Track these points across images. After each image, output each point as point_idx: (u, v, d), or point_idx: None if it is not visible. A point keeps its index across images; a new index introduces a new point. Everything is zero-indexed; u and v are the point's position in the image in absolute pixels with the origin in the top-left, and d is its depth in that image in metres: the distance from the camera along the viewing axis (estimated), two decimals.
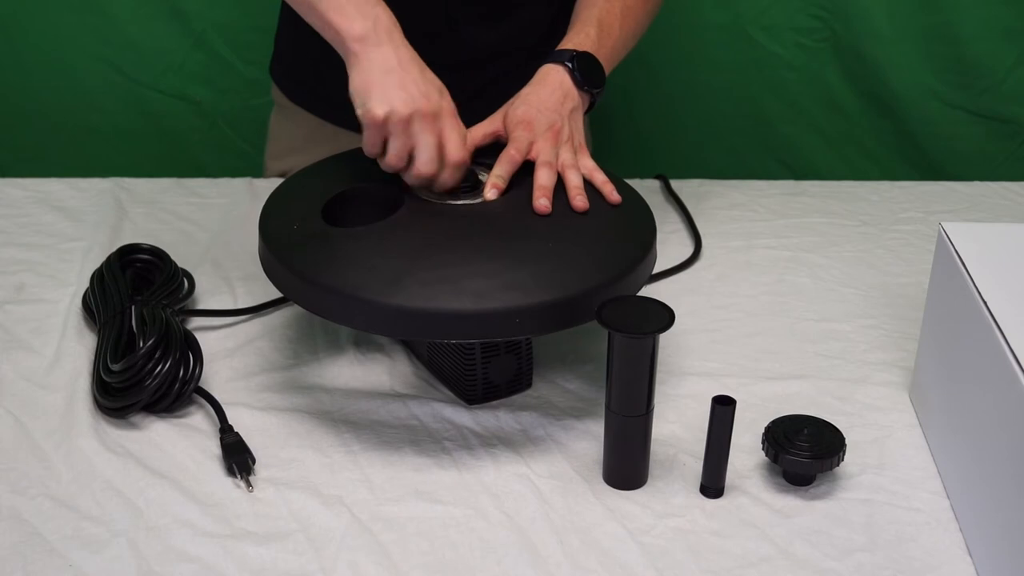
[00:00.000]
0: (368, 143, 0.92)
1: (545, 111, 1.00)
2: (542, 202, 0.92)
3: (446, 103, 0.93)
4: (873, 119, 1.73)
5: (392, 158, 0.92)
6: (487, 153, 1.00)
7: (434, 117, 0.91)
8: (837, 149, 1.76)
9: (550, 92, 1.02)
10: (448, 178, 0.93)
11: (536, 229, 0.90)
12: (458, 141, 0.93)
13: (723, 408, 0.80)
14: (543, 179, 0.94)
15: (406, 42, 0.93)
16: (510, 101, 1.03)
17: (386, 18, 0.92)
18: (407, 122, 0.90)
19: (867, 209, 1.29)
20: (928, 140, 1.73)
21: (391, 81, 0.90)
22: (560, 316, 0.84)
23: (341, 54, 0.93)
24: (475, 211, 0.92)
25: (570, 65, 1.03)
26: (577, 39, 1.06)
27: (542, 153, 0.97)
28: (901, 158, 1.76)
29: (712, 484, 0.83)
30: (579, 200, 0.93)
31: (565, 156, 0.97)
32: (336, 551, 0.78)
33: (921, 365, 0.93)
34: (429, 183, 0.94)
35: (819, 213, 1.28)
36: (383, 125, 0.90)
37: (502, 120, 1.01)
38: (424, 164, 0.92)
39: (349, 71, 0.92)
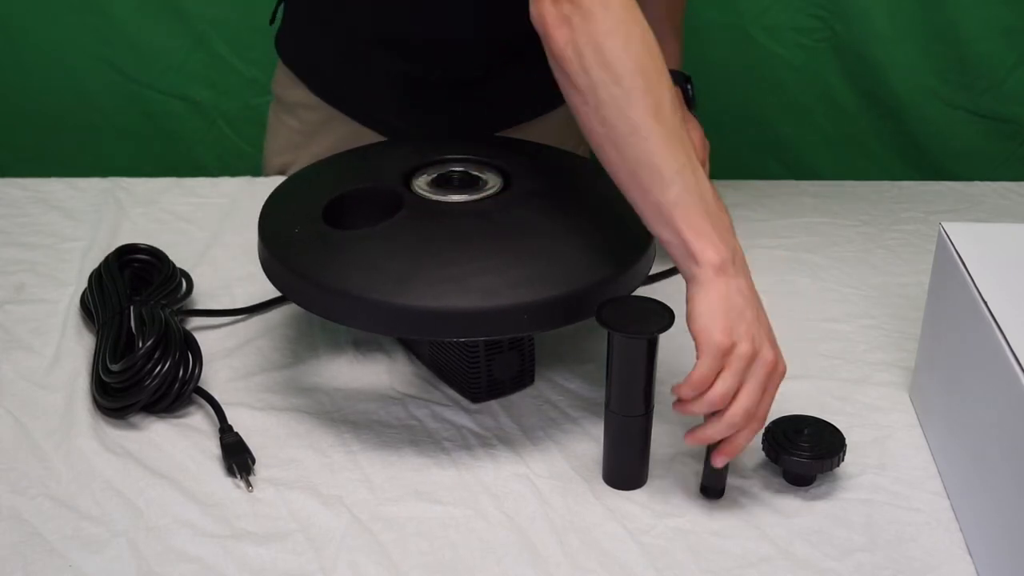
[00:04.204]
0: (704, 371, 0.78)
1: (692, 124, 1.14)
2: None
3: (781, 363, 0.82)
4: (873, 119, 1.73)
5: (720, 395, 0.78)
6: (485, 152, 1.00)
7: (771, 368, 0.80)
8: (837, 149, 1.76)
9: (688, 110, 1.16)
10: (745, 439, 0.79)
11: (538, 226, 0.90)
12: (769, 402, 0.80)
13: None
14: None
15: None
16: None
17: (741, 251, 0.82)
18: (749, 360, 0.78)
19: (867, 209, 1.29)
20: (928, 140, 1.73)
21: (745, 316, 0.79)
22: (568, 311, 0.84)
23: (684, 273, 0.81)
24: (476, 210, 0.92)
25: (687, 92, 1.19)
26: (672, 60, 1.17)
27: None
28: (901, 158, 1.76)
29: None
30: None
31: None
32: (336, 551, 0.78)
33: (921, 365, 0.93)
34: (722, 436, 0.79)
35: (819, 213, 1.28)
36: (726, 355, 0.78)
37: None
38: (744, 408, 0.78)
39: (694, 293, 0.80)
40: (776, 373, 0.80)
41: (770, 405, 0.80)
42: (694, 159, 0.81)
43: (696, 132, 1.15)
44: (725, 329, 0.78)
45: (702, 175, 0.81)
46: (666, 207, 0.80)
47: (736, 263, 0.80)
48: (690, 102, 1.21)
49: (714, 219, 0.80)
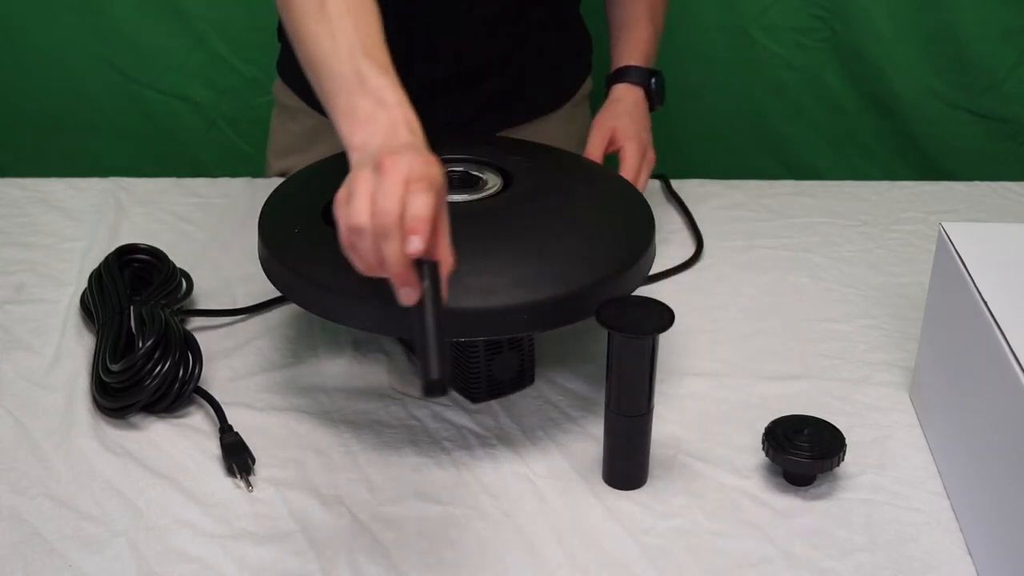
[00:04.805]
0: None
1: (645, 132, 1.17)
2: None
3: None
4: (873, 119, 1.73)
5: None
6: (481, 151, 1.00)
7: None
8: (837, 149, 1.76)
9: (645, 116, 1.19)
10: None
11: (537, 226, 0.90)
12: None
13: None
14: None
15: None
16: (610, 112, 1.17)
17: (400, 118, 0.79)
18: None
19: (867, 209, 1.29)
20: (928, 140, 1.73)
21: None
22: (568, 311, 0.84)
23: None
24: (475, 209, 0.92)
25: (651, 90, 1.20)
26: (639, 48, 1.21)
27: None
28: (901, 158, 1.76)
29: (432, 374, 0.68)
30: None
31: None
32: (336, 551, 0.78)
33: (921, 365, 0.93)
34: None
35: (819, 213, 1.28)
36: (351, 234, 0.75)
37: (611, 131, 1.15)
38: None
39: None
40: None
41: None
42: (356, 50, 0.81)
43: (635, 139, 1.15)
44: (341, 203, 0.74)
45: (358, 53, 0.80)
46: (324, 96, 0.82)
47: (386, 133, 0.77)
48: (652, 99, 1.21)
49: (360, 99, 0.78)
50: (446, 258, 0.72)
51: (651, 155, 1.17)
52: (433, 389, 0.67)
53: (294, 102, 1.29)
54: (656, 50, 1.24)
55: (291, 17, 0.86)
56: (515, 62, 1.23)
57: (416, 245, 0.67)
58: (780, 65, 1.70)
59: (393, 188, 0.69)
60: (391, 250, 0.68)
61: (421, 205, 0.68)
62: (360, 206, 0.69)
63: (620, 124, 1.16)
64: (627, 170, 1.13)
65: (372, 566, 0.77)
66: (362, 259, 0.71)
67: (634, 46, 1.22)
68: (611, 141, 1.15)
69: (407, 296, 0.69)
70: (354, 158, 0.76)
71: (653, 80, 1.20)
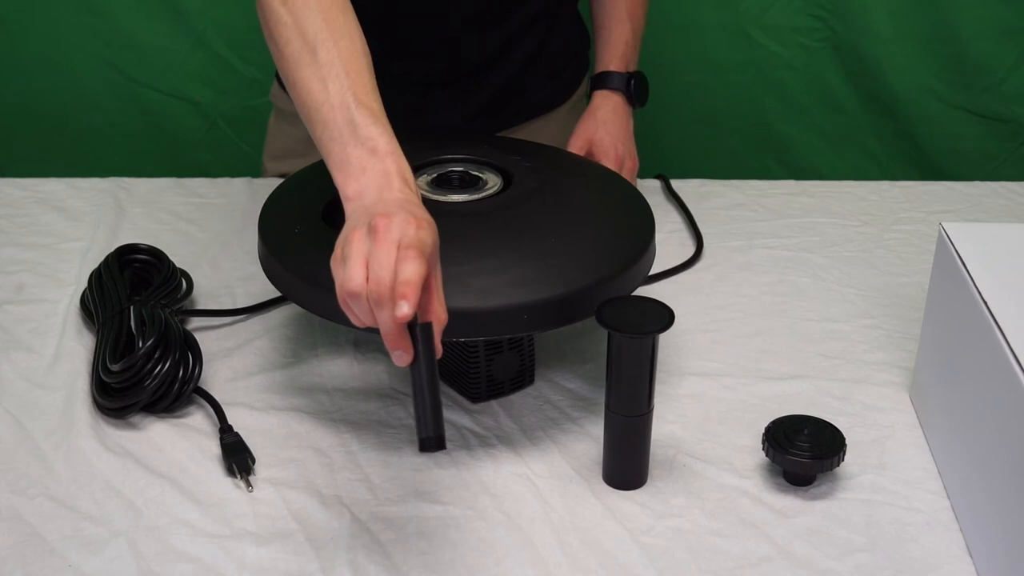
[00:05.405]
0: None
1: (621, 143, 1.18)
2: None
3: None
4: (873, 119, 1.73)
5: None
6: (481, 151, 1.00)
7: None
8: (837, 149, 1.76)
9: (623, 125, 1.20)
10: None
11: (536, 226, 0.90)
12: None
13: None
14: None
15: None
16: (587, 124, 1.19)
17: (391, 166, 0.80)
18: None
19: (867, 209, 1.29)
20: (928, 140, 1.73)
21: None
22: (568, 311, 0.84)
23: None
24: (475, 210, 0.92)
25: (630, 93, 1.21)
26: (618, 52, 1.21)
27: None
28: (901, 158, 1.76)
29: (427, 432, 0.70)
30: None
31: None
32: (336, 551, 0.78)
33: (921, 365, 0.93)
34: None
35: (819, 213, 1.28)
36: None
37: (588, 144, 1.17)
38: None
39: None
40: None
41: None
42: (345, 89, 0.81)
43: (610, 151, 1.17)
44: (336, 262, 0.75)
45: (350, 101, 0.80)
46: (318, 143, 0.82)
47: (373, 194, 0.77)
48: (632, 100, 1.22)
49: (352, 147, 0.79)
50: (439, 315, 0.73)
51: (630, 164, 1.18)
52: (428, 445, 0.69)
53: (292, 108, 1.29)
54: (636, 49, 1.25)
55: (284, 64, 0.86)
56: (512, 61, 1.23)
57: (405, 310, 0.69)
58: (780, 65, 1.70)
59: (386, 257, 0.70)
60: (384, 317, 0.70)
61: (411, 272, 0.70)
62: (355, 272, 0.71)
63: (596, 137, 1.18)
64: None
65: (372, 566, 0.77)
66: (357, 318, 0.74)
67: (612, 48, 1.23)
68: (588, 153, 1.17)
69: (400, 359, 0.71)
70: (348, 208, 0.78)
71: (632, 83, 1.21)
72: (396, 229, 0.72)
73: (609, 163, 1.15)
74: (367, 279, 0.71)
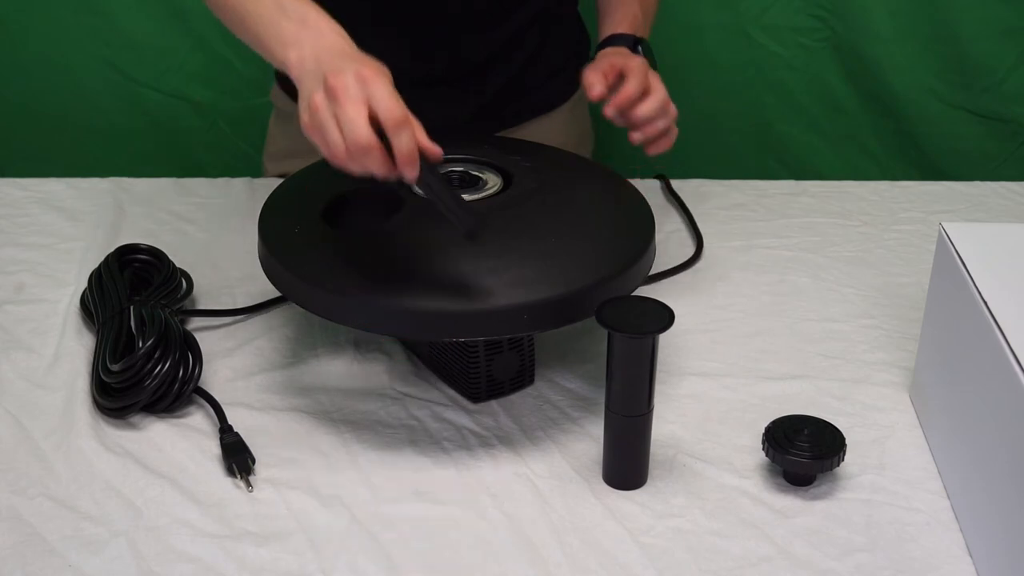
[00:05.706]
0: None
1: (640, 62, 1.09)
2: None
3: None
4: (873, 119, 1.73)
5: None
6: (481, 151, 1.00)
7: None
8: (837, 149, 1.76)
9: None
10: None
11: (538, 226, 0.90)
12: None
13: None
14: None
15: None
16: (599, 57, 1.08)
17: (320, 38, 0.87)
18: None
19: (867, 209, 1.29)
20: (928, 140, 1.73)
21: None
22: (568, 311, 0.84)
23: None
24: (475, 209, 0.92)
25: (639, 50, 1.12)
26: (626, 21, 1.14)
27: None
28: (901, 158, 1.76)
29: None
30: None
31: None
32: (336, 551, 0.78)
33: (921, 365, 0.93)
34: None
35: (819, 213, 1.28)
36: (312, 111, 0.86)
37: (610, 66, 1.05)
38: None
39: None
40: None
41: None
42: None
43: (641, 65, 1.07)
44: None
45: None
46: (254, 40, 0.90)
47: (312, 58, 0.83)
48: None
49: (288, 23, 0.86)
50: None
51: (655, 75, 1.07)
52: (473, 233, 0.81)
53: (292, 108, 1.29)
54: (646, 27, 1.17)
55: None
56: (512, 61, 1.23)
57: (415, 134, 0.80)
58: (780, 65, 1.70)
59: (355, 117, 0.77)
60: (373, 165, 0.79)
61: (385, 98, 0.78)
62: (334, 139, 0.79)
63: (615, 59, 1.06)
64: (634, 80, 1.03)
65: (372, 566, 0.77)
66: (352, 169, 0.81)
67: (620, 20, 1.15)
68: (614, 70, 1.05)
69: (412, 171, 0.80)
70: (294, 75, 0.84)
71: (639, 46, 1.12)
72: (352, 84, 0.78)
73: (639, 74, 1.04)
74: (346, 144, 0.78)
